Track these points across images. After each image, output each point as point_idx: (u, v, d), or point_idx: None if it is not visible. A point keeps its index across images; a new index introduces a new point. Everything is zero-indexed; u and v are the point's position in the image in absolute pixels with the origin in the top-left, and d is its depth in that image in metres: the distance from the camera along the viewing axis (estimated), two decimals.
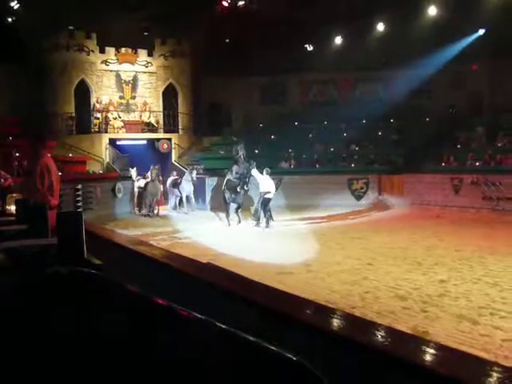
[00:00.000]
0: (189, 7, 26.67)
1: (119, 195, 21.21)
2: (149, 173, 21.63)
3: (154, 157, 28.58)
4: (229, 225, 18.18)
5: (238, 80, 31.20)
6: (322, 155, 28.36)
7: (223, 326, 1.09)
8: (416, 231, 16.39)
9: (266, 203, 17.51)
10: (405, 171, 24.40)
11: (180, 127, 31.71)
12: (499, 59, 27.24)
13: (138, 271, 3.47)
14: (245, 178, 18.11)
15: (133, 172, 22.99)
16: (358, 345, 2.15)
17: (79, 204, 18.90)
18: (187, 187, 22.17)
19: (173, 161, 29.75)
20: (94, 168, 27.17)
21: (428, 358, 1.98)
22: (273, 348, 1.00)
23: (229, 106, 33.00)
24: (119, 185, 21.39)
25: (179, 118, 31.76)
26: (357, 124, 29.42)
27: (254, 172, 18.06)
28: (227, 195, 18.42)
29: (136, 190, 22.56)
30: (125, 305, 1.11)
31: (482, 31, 26.63)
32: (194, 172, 22.31)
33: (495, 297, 8.77)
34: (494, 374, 1.82)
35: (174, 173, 23.90)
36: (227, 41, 30.18)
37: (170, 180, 23.11)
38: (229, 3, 28.17)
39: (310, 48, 30.64)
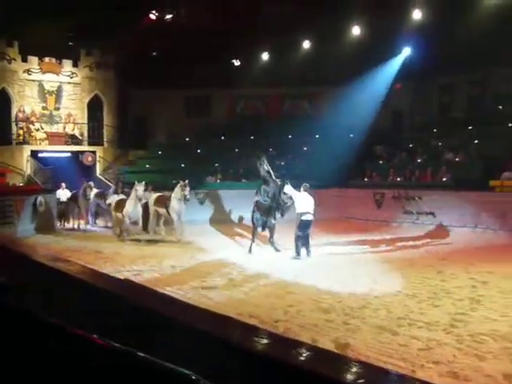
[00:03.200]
0: (115, 19, 26.37)
1: (41, 209, 20.50)
2: (135, 189, 17.60)
3: (78, 170, 28.04)
4: (250, 251, 15.34)
5: (165, 93, 31.04)
6: (248, 169, 28.51)
7: (135, 352, 1.09)
8: (337, 244, 16.64)
9: (305, 226, 14.47)
10: (331, 186, 24.83)
11: (105, 140, 31.26)
12: (418, 79, 28.28)
13: (53, 288, 3.39)
14: (277, 200, 15.47)
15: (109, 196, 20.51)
16: (278, 364, 2.18)
17: None
18: (178, 207, 18.17)
19: (97, 174, 29.20)
20: (15, 181, 26.31)
21: (351, 376, 2.02)
22: (172, 367, 1.02)
23: (155, 118, 32.74)
24: (41, 198, 20.68)
25: (104, 131, 31.32)
26: (283, 139, 29.79)
27: (288, 189, 15.22)
28: (256, 216, 15.80)
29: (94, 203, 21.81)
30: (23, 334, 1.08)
31: (406, 51, 27.45)
32: (187, 189, 18.08)
33: (413, 308, 9.05)
34: None
35: (149, 188, 19.92)
36: (154, 54, 29.99)
37: (151, 197, 19.17)
38: (156, 16, 28.03)
39: (237, 63, 30.86)
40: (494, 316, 8.51)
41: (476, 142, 24.25)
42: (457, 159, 23.78)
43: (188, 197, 18.16)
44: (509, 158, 20.66)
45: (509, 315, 8.53)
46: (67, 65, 30.37)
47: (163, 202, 18.61)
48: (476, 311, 8.81)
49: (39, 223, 20.37)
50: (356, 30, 26.50)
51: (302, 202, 14.63)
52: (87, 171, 29.16)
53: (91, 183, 21.96)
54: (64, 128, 30.42)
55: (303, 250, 14.47)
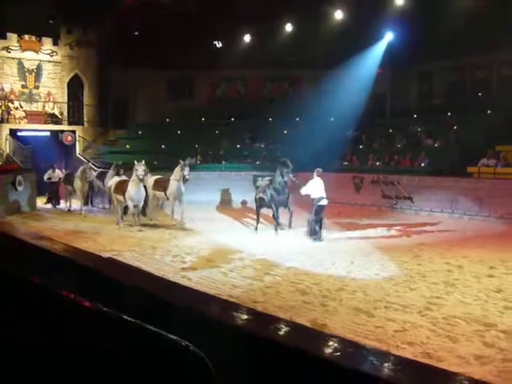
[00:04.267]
0: None
1: (20, 188, 20.32)
2: (135, 169, 16.26)
3: (57, 149, 27.82)
4: (256, 229, 16.24)
5: (146, 73, 30.79)
6: (228, 151, 28.55)
7: (124, 317, 1.16)
8: None
9: (320, 211, 14.77)
10: (310, 169, 24.89)
11: (85, 119, 30.98)
12: (399, 65, 28.35)
13: (38, 267, 3.44)
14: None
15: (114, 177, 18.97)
16: (258, 339, 2.24)
17: None
18: (177, 189, 17.23)
19: (77, 154, 29.00)
20: None
21: (328, 350, 2.08)
22: (161, 332, 1.09)
23: (136, 99, 32.50)
24: (20, 177, 20.50)
25: (84, 110, 31.02)
26: (264, 122, 29.81)
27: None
28: (257, 204, 16.69)
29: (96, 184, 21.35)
30: (26, 298, 1.15)
31: (388, 37, 27.40)
32: (187, 168, 17.19)
33: (390, 291, 9.23)
34: (386, 364, 1.95)
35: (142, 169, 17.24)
36: (136, 33, 29.69)
37: (148, 180, 17.91)
38: None
39: (219, 45, 30.70)
40: (467, 299, 8.72)
41: (455, 128, 24.49)
42: (435, 145, 24.02)
43: (188, 177, 17.20)
44: (486, 145, 20.92)
45: (482, 299, 8.75)
46: (47, 43, 29.95)
47: (161, 184, 17.76)
48: (450, 295, 9.01)
49: (17, 203, 20.23)
50: (339, 15, 26.50)
51: (317, 187, 14.87)
52: (66, 151, 28.95)
53: (90, 164, 21.48)
54: (43, 107, 30.07)
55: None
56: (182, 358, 1.09)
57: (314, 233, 14.58)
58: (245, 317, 2.47)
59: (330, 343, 2.12)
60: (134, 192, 16.29)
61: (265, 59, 29.17)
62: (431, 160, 22.27)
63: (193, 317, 2.51)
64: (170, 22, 27.05)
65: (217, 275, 10.33)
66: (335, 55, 26.68)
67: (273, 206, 15.79)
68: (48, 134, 29.26)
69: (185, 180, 17.21)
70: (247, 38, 30.34)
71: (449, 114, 25.82)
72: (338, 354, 2.05)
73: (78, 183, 20.74)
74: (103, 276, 3.08)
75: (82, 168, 21.14)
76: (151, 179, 18.27)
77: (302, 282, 9.73)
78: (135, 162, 16.69)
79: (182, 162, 17.46)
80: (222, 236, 15.15)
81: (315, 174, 15.17)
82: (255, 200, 16.86)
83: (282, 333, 2.30)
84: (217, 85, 33.51)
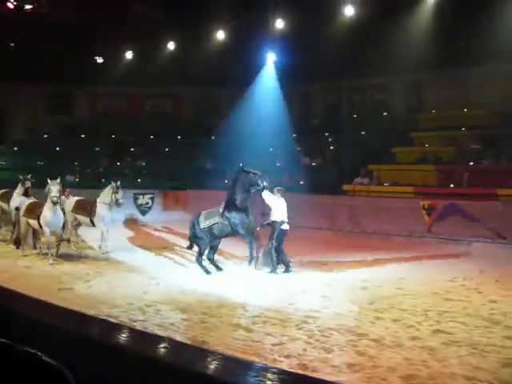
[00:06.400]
0: None
1: None
2: (49, 189, 13.71)
3: None
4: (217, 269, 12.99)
5: (24, 87, 29.56)
6: (107, 169, 28.02)
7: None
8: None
9: (282, 237, 13.02)
10: (190, 187, 25.01)
11: None
12: (281, 86, 29.16)
13: None
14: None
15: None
16: (137, 357, 2.28)
17: None
18: (106, 214, 15.10)
19: None
20: None
21: (205, 365, 2.15)
22: (33, 352, 1.14)
23: (12, 113, 31.09)
24: None
25: None
26: (145, 139, 29.60)
27: (266, 196, 13.25)
28: (207, 239, 13.14)
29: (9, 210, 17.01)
30: None
31: (271, 58, 27.88)
32: (120, 192, 15.08)
33: (269, 306, 9.47)
34: (268, 375, 2.05)
35: (67, 191, 16.16)
36: (12, 44, 28.49)
37: (66, 201, 15.76)
38: (14, 5, 26.64)
39: (100, 60, 30.09)
40: (342, 312, 9.13)
41: (331, 148, 25.51)
42: (313, 164, 24.87)
43: (121, 201, 15.08)
44: (361, 164, 21.96)
45: (355, 310, 9.21)
46: None
47: (85, 207, 15.54)
48: (327, 308, 9.39)
49: None
50: (220, 35, 26.85)
51: (280, 209, 13.09)
52: None
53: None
54: None
55: (280, 266, 12.87)
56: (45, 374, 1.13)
57: (274, 262, 12.73)
58: (124, 336, 2.50)
59: (210, 359, 2.20)
60: (51, 216, 13.93)
61: (146, 76, 28.98)
62: (309, 178, 22.98)
63: (69, 336, 2.50)
64: (50, 34, 26.21)
65: (94, 295, 10.14)
66: (218, 74, 27.06)
67: (240, 230, 13.19)
68: None
69: (118, 205, 15.16)
70: (129, 54, 29.99)
71: (326, 134, 26.88)
72: (217, 369, 2.13)
73: None
74: None
75: None
76: (71, 200, 16.11)
77: (183, 300, 9.77)
78: (48, 179, 14.14)
79: (113, 183, 15.19)
80: (103, 256, 14.83)
81: (278, 194, 13.26)
82: (203, 231, 13.21)
83: (161, 350, 2.34)
84: (97, 101, 32.84)
